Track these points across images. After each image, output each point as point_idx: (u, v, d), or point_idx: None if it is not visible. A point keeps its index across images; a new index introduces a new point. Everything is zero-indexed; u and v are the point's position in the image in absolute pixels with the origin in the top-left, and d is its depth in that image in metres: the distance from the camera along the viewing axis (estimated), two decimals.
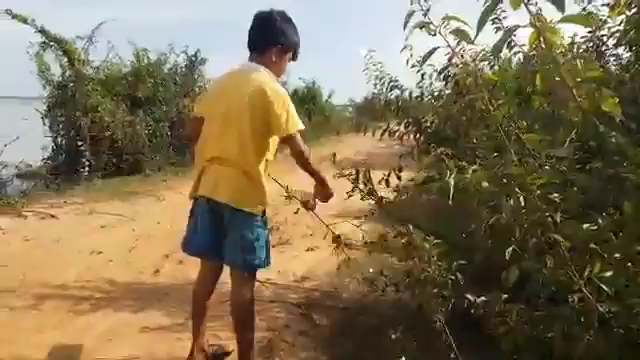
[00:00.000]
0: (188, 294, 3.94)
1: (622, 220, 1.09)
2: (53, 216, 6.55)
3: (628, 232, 1.10)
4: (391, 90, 3.98)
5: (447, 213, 3.68)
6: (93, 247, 5.17)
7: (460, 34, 1.50)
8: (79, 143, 9.16)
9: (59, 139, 9.69)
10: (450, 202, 1.64)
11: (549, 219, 1.31)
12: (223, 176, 2.50)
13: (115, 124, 9.50)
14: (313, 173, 2.66)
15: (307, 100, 20.61)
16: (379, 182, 3.80)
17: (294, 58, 2.66)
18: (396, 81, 3.96)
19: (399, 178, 3.81)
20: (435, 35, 1.49)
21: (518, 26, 1.00)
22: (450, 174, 1.60)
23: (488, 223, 1.45)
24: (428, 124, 3.89)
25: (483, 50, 3.59)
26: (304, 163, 2.58)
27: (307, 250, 5.24)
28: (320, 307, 3.79)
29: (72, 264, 4.67)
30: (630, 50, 3.08)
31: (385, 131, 4.08)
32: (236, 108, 2.43)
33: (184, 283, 4.20)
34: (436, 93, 4.06)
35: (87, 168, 9.07)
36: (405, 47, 3.85)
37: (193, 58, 11.99)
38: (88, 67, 9.93)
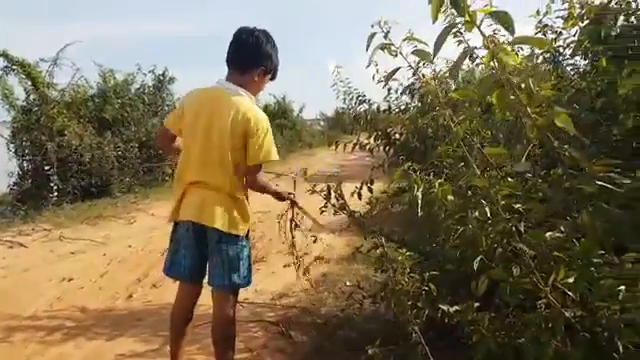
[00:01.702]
0: (163, 318, 3.90)
1: (581, 228, 1.14)
2: (21, 244, 6.37)
3: (587, 240, 1.15)
4: (359, 104, 4.04)
5: (418, 224, 3.74)
6: (63, 274, 5.05)
7: (420, 54, 1.55)
8: (46, 168, 8.97)
9: (25, 164, 9.46)
10: (419, 215, 1.68)
11: (513, 229, 1.35)
12: (208, 200, 2.45)
13: (82, 147, 9.34)
14: (267, 192, 2.71)
15: (278, 115, 20.66)
16: (351, 195, 3.84)
17: (273, 78, 2.65)
18: (364, 96, 4.04)
19: (371, 190, 3.86)
20: (396, 56, 1.53)
21: (475, 47, 1.05)
22: (417, 188, 1.64)
23: (456, 235, 1.49)
24: (397, 137, 3.96)
25: (446, 65, 3.69)
26: (260, 190, 2.64)
27: (284, 266, 5.21)
28: (298, 324, 3.78)
29: (42, 293, 4.55)
30: (585, 59, 3.21)
31: (355, 145, 4.14)
32: (218, 131, 2.39)
33: (158, 307, 4.14)
34: (403, 107, 4.14)
35: (55, 193, 8.88)
36: (370, 63, 3.94)
37: (161, 77, 11.91)
38: (53, 90, 9.76)
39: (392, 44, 1.58)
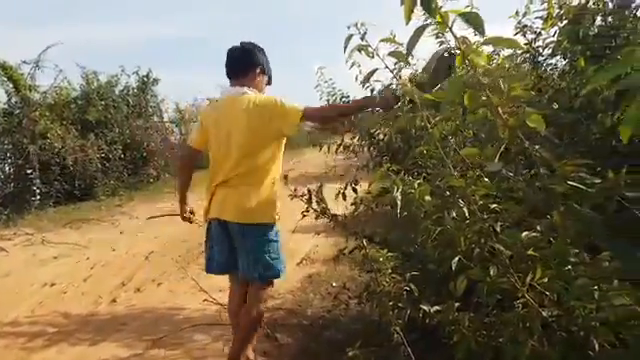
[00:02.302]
0: (146, 323, 3.87)
1: (554, 228, 1.15)
2: (2, 249, 6.28)
3: (560, 240, 1.16)
4: None
5: (401, 224, 3.74)
6: (46, 279, 5.00)
7: (397, 55, 1.55)
8: (28, 171, 8.86)
9: (7, 168, 9.34)
10: (398, 216, 1.68)
11: (490, 229, 1.36)
12: (230, 196, 2.65)
13: (65, 150, 9.24)
14: (355, 109, 3.00)
15: None
16: (336, 196, 3.84)
17: (269, 83, 2.90)
18: (347, 97, 4.03)
19: (355, 191, 3.86)
20: (373, 57, 1.54)
21: (445, 49, 1.05)
22: (397, 189, 1.64)
23: (434, 235, 1.50)
24: (381, 137, 3.96)
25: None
26: (340, 113, 2.98)
27: None
28: (284, 326, 3.76)
29: (24, 298, 4.49)
30: (565, 59, 3.23)
31: (340, 146, 4.13)
32: (237, 128, 2.61)
33: (142, 311, 4.11)
34: None
35: (37, 196, 8.78)
36: (353, 64, 3.93)
37: (145, 78, 11.83)
38: (35, 92, 9.64)
39: (369, 45, 1.58)
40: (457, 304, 1.80)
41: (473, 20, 0.94)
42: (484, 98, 1.05)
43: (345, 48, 1.63)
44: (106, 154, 10.10)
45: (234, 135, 2.62)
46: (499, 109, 1.05)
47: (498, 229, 1.38)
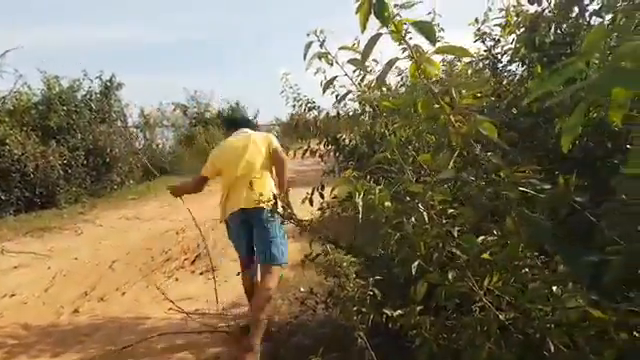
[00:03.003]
0: (110, 333, 3.78)
1: (508, 233, 1.18)
2: None
3: (511, 245, 1.18)
4: (309, 111, 4.05)
5: (364, 229, 3.77)
6: (5, 289, 4.83)
7: (355, 63, 1.57)
8: None
9: None
10: (361, 220, 1.69)
11: (448, 233, 1.38)
12: (250, 193, 3.24)
13: (26, 156, 8.96)
14: (283, 182, 3.74)
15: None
16: (302, 202, 3.83)
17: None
18: (313, 102, 4.04)
19: (322, 196, 3.86)
20: (332, 65, 1.54)
21: (397, 58, 1.07)
22: (358, 194, 1.65)
23: (394, 240, 1.51)
24: (346, 142, 3.99)
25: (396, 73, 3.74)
26: (285, 167, 3.80)
27: (237, 274, 5.15)
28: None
29: None
30: (523, 65, 3.32)
31: (306, 151, 4.14)
32: (254, 152, 3.68)
33: (105, 321, 4.01)
34: (351, 113, 4.17)
35: None
36: (317, 70, 3.95)
37: (108, 83, 11.59)
38: None
39: (328, 53, 1.59)
40: (419, 308, 1.82)
41: (425, 29, 0.96)
42: (436, 106, 1.07)
43: (305, 55, 1.63)
44: (68, 160, 9.83)
45: (253, 156, 3.67)
46: (451, 117, 1.07)
47: (455, 234, 1.41)
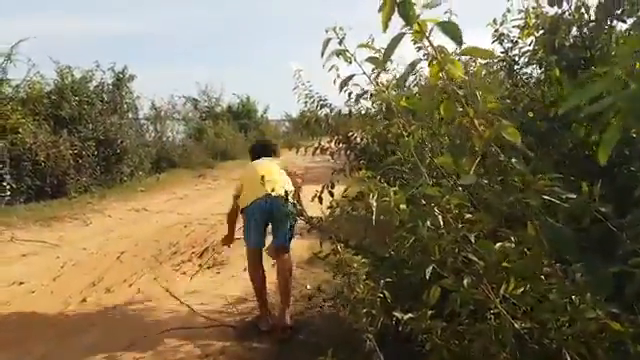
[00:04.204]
0: (116, 323, 3.79)
1: (528, 240, 1.15)
2: None
3: (533, 253, 1.15)
4: (321, 108, 4.02)
5: (374, 229, 3.73)
6: (14, 278, 4.85)
7: (374, 61, 1.54)
8: None
9: None
10: (373, 222, 1.66)
11: (464, 239, 1.35)
12: (274, 183, 3.71)
13: (37, 145, 9.01)
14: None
15: (242, 116, 20.44)
16: (312, 199, 3.82)
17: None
18: (325, 99, 4.01)
19: (332, 194, 3.84)
20: (351, 63, 1.52)
21: (420, 59, 1.04)
22: (372, 195, 1.63)
23: (408, 243, 1.48)
24: (358, 141, 3.95)
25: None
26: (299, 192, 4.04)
27: (244, 270, 5.14)
28: (257, 329, 3.72)
29: None
30: (540, 68, 3.27)
31: (317, 149, 4.11)
32: (275, 171, 3.99)
33: (112, 312, 4.01)
34: (363, 111, 4.14)
35: (7, 192, 8.52)
36: (332, 67, 3.92)
37: (120, 75, 11.62)
38: (7, 86, 9.38)
39: (347, 50, 1.56)
40: (430, 312, 1.79)
41: (450, 30, 0.93)
42: (460, 109, 1.04)
43: (322, 52, 1.61)
44: (79, 151, 9.88)
45: (274, 174, 3.93)
46: (475, 121, 1.04)
47: (472, 239, 1.38)
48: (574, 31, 3.34)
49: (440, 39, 1.09)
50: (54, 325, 3.80)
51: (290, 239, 3.93)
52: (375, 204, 1.63)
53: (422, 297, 1.96)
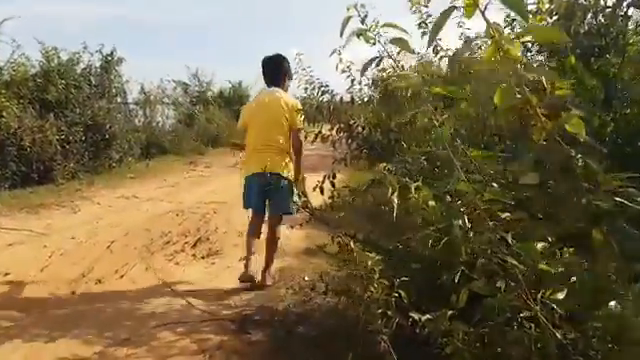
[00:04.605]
0: (108, 317, 3.65)
1: (590, 247, 1.03)
2: None
3: (600, 263, 1.04)
4: (322, 95, 3.88)
5: (383, 222, 3.62)
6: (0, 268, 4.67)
7: (400, 43, 1.40)
8: None
9: None
10: (394, 219, 1.54)
11: (500, 239, 1.23)
12: (271, 157, 4.04)
13: (22, 130, 8.74)
14: (298, 160, 4.22)
15: (234, 101, 20.12)
16: (314, 189, 3.68)
17: (290, 78, 4.34)
18: (326, 86, 3.86)
19: (333, 185, 3.71)
20: (374, 44, 1.38)
21: (478, 35, 0.91)
22: (393, 191, 1.50)
23: (436, 243, 1.36)
24: (360, 129, 3.82)
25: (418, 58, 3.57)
26: (298, 152, 4.21)
27: (240, 260, 5.01)
28: (255, 322, 3.60)
29: None
30: (553, 56, 3.16)
31: (317, 136, 3.98)
32: (275, 115, 4.13)
33: (103, 305, 3.86)
34: (366, 99, 4.01)
35: None
36: (334, 51, 3.77)
37: (109, 57, 11.33)
38: None
39: (369, 30, 1.42)
40: (450, 312, 1.68)
41: (515, 5, 0.80)
42: (519, 96, 0.92)
43: (342, 32, 1.46)
44: (66, 136, 9.61)
45: (273, 118, 4.11)
46: (537, 110, 0.92)
47: (510, 240, 1.26)
48: (589, 18, 3.22)
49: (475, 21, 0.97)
50: (42, 319, 3.64)
51: (286, 213, 4.15)
52: (397, 201, 1.51)
53: (433, 295, 1.85)
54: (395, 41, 1.39)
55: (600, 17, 3.20)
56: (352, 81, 3.76)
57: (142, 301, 3.92)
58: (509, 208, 1.25)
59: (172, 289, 4.09)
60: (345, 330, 3.33)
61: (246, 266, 4.16)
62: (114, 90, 11.60)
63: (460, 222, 1.24)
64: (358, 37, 1.46)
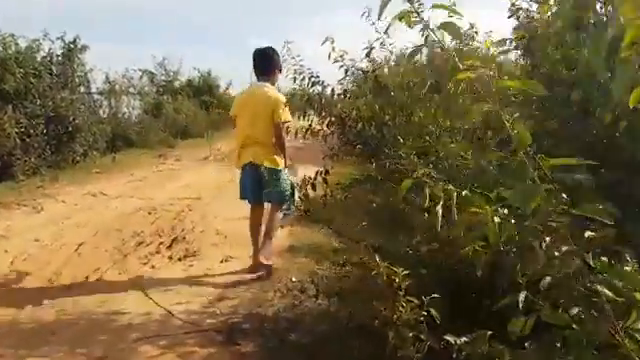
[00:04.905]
0: (80, 330, 3.33)
1: None
2: None
3: None
4: (312, 86, 3.63)
5: (379, 218, 3.42)
6: None
7: (450, 28, 1.18)
8: None
9: None
10: (438, 229, 1.33)
11: (584, 264, 1.03)
12: (258, 150, 4.18)
13: None
14: (284, 149, 4.24)
15: (203, 91, 19.56)
16: (305, 186, 3.48)
17: (280, 71, 4.31)
18: (317, 77, 3.62)
19: (326, 182, 3.50)
20: (423, 31, 1.15)
21: None
22: (437, 202, 1.28)
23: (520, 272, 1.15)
24: (352, 123, 3.60)
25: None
26: (281, 145, 4.22)
27: (221, 262, 4.74)
28: (243, 331, 3.35)
29: None
30: (561, 46, 3.00)
31: (307, 131, 3.76)
32: (261, 109, 4.16)
33: (74, 317, 3.51)
34: (357, 90, 3.79)
35: None
36: (326, 40, 3.54)
37: (71, 45, 10.72)
38: None
39: (417, 11, 1.19)
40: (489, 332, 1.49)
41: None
42: None
43: (380, 14, 1.23)
44: (26, 129, 9.01)
45: (260, 112, 4.16)
46: None
47: (591, 263, 1.06)
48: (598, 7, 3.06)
49: None
50: (7, 335, 3.27)
51: (281, 202, 4.25)
52: (441, 211, 1.29)
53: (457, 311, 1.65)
54: (445, 26, 1.17)
55: (610, 8, 3.05)
56: (346, 71, 3.54)
57: (117, 311, 3.60)
58: (592, 226, 1.06)
59: (151, 298, 3.77)
60: (337, 334, 3.13)
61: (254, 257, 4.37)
62: (77, 80, 11.00)
63: (539, 243, 1.04)
64: (400, 20, 1.23)
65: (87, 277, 4.28)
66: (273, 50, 4.27)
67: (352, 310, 3.18)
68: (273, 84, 4.30)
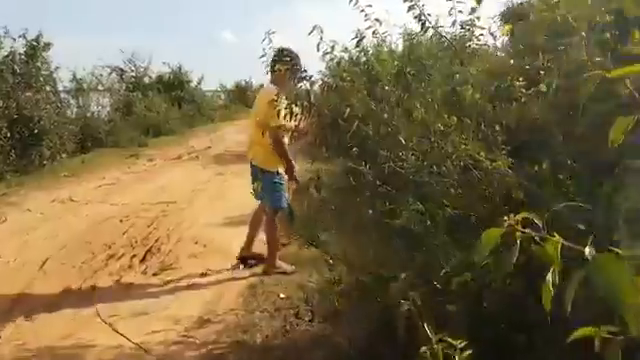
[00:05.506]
0: None
1: None
2: None
3: None
4: (299, 82, 3.22)
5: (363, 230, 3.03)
6: None
7: None
8: None
9: None
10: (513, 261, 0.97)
11: None
12: (258, 149, 4.25)
13: None
14: (284, 157, 4.14)
15: (174, 87, 18.93)
16: (293, 192, 3.08)
17: (295, 77, 3.73)
18: (305, 71, 3.20)
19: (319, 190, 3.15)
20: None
21: None
22: (517, 244, 0.93)
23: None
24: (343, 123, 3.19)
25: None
26: (279, 150, 4.11)
27: (201, 275, 4.31)
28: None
29: None
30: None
31: (294, 131, 3.36)
32: (256, 111, 4.25)
33: (36, 352, 3.06)
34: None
35: None
36: (314, 28, 3.13)
37: (34, 43, 10.08)
38: None
39: None
40: None
41: None
42: None
43: None
44: None
45: (254, 114, 4.35)
46: None
47: None
48: None
49: None
50: None
51: (274, 204, 4.19)
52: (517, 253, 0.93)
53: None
54: None
55: None
56: (338, 64, 3.14)
57: (84, 344, 3.15)
58: None
59: (122, 334, 3.28)
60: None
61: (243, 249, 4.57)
62: (42, 79, 10.35)
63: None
64: None
65: (52, 302, 3.81)
66: (286, 53, 4.10)
67: (352, 335, 2.82)
68: (279, 85, 3.96)
